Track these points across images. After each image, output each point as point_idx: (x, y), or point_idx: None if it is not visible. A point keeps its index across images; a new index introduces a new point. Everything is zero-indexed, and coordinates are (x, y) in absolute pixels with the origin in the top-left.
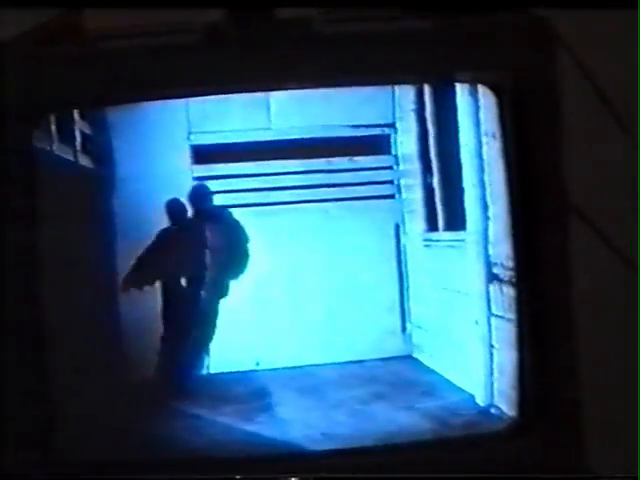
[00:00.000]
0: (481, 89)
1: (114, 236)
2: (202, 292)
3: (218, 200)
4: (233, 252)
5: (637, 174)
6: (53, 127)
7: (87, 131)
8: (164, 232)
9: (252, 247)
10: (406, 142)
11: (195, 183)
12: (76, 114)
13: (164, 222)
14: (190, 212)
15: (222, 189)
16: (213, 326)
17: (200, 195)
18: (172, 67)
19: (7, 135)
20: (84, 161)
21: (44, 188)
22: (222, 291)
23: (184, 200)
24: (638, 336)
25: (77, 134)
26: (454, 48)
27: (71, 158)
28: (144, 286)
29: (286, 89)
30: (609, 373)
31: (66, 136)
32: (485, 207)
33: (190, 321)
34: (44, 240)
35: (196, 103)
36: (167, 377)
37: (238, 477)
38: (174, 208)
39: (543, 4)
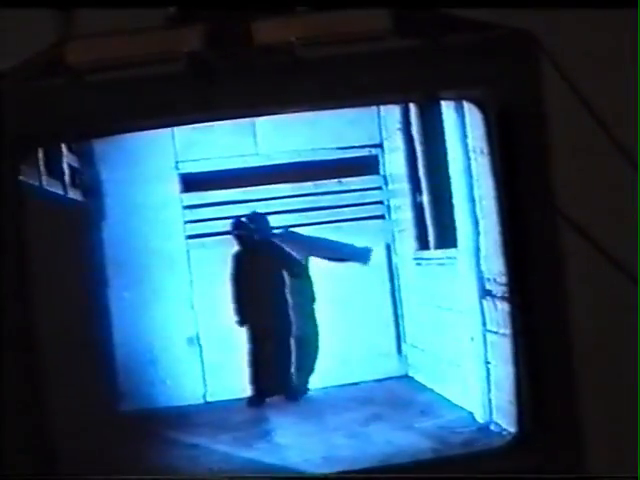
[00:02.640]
0: (467, 105)
1: (105, 268)
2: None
3: (209, 228)
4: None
5: (637, 181)
6: (41, 161)
7: (75, 164)
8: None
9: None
10: (394, 162)
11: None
12: (64, 147)
13: (154, 253)
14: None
15: (212, 217)
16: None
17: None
18: (156, 97)
19: None
20: (73, 194)
21: (34, 222)
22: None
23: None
24: (638, 342)
25: (65, 167)
26: (438, 66)
27: (60, 192)
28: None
29: (271, 114)
30: (608, 384)
31: (54, 170)
32: (476, 223)
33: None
34: (34, 275)
35: (182, 132)
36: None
37: None
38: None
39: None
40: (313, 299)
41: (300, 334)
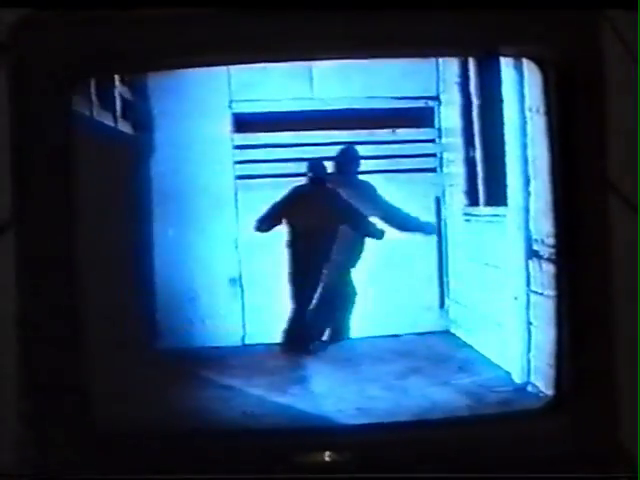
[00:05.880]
0: (526, 63)
1: (152, 203)
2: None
3: (259, 170)
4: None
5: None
6: (93, 92)
7: (127, 96)
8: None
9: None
10: (449, 115)
11: (345, 146)
12: (117, 79)
13: (202, 191)
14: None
15: (262, 158)
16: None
17: (348, 158)
18: (215, 34)
19: (47, 100)
20: (124, 127)
21: (83, 153)
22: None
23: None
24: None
25: (117, 99)
26: (500, 21)
27: (111, 124)
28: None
29: (329, 59)
30: None
31: (106, 101)
32: (527, 183)
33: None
34: (82, 206)
35: (238, 71)
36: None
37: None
38: (316, 168)
39: None
40: (358, 257)
41: (337, 288)
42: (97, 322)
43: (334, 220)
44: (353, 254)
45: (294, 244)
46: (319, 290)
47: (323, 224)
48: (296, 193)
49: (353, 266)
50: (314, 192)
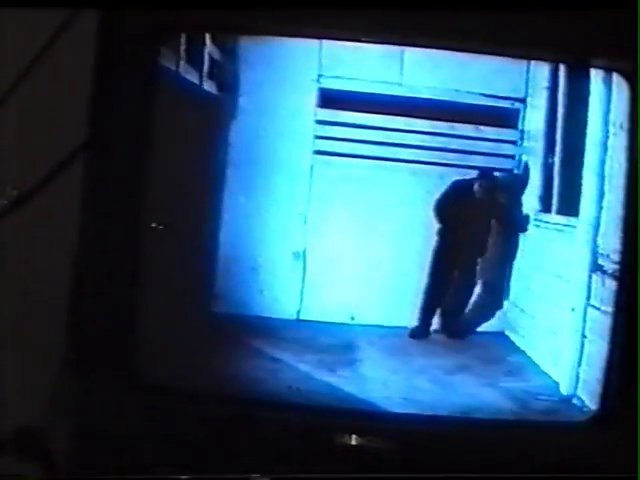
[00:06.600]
0: (616, 78)
1: (226, 165)
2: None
3: (338, 147)
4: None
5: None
6: (182, 47)
7: (216, 57)
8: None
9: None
10: (534, 119)
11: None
12: (208, 38)
13: (278, 161)
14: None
15: (343, 137)
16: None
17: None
18: (311, 5)
19: (135, 50)
20: (209, 87)
21: (164, 106)
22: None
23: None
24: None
25: (206, 58)
26: (595, 32)
27: (196, 81)
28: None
29: (422, 47)
30: None
31: (194, 59)
32: (601, 196)
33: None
34: (156, 158)
35: (330, 46)
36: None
37: None
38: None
39: None
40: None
41: (487, 281)
42: (157, 277)
43: (489, 217)
44: (508, 252)
45: (449, 236)
46: (477, 283)
47: (481, 222)
48: (457, 187)
49: (509, 263)
50: (475, 190)
